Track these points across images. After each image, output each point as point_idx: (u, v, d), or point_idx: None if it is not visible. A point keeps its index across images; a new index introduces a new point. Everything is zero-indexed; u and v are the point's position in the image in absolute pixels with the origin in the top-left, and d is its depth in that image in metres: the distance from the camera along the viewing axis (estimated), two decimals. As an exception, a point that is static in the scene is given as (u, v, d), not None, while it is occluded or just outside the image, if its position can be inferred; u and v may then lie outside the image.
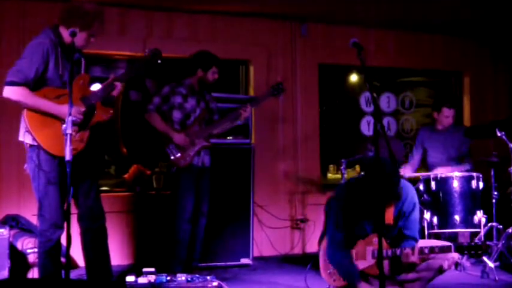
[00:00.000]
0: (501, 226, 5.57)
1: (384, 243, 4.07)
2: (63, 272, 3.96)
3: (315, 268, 4.51)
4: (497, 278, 5.07)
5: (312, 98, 7.12)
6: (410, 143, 7.58)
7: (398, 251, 4.01)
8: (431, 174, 5.71)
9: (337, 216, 4.17)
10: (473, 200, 5.58)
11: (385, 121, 7.60)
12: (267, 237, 6.63)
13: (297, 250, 6.84)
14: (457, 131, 6.15)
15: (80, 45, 4.02)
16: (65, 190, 3.61)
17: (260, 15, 6.76)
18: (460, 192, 5.57)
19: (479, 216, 5.55)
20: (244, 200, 6.01)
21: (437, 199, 5.62)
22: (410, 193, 4.19)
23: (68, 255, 3.38)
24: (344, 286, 4.17)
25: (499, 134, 5.47)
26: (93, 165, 4.18)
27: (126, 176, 6.85)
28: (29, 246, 4.95)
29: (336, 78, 7.97)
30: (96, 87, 4.12)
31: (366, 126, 7.58)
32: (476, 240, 5.56)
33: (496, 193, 5.59)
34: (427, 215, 5.66)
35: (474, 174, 5.64)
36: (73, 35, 3.72)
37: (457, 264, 5.39)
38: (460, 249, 3.95)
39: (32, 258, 4.87)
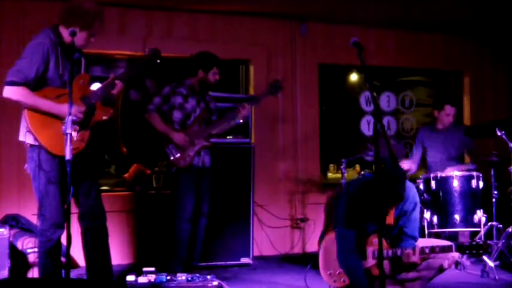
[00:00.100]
0: (501, 225, 5.57)
1: (385, 244, 4.07)
2: (63, 271, 3.96)
3: (315, 268, 4.50)
4: (497, 277, 5.07)
5: (312, 98, 7.12)
6: (411, 142, 7.59)
7: (399, 251, 4.01)
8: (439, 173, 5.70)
9: (348, 214, 4.13)
10: (473, 199, 5.59)
11: (385, 120, 7.60)
12: (267, 236, 6.64)
13: (297, 249, 6.84)
14: (458, 130, 6.15)
15: (80, 44, 4.01)
16: (66, 190, 3.60)
17: (260, 15, 6.76)
18: (460, 191, 5.57)
19: (479, 215, 5.55)
20: (244, 200, 6.01)
21: (438, 198, 5.62)
22: (412, 192, 4.18)
23: (68, 255, 3.39)
24: (344, 287, 4.16)
25: (499, 134, 5.47)
26: (93, 165, 4.18)
27: (126, 175, 6.85)
28: (29, 245, 4.95)
29: (336, 78, 7.97)
30: (96, 86, 4.12)
31: (366, 126, 7.59)
32: (477, 240, 5.57)
33: (496, 192, 5.59)
34: (427, 215, 5.67)
35: (474, 173, 5.64)
36: (73, 34, 3.72)
37: (457, 264, 5.40)
38: (461, 248, 3.96)
39: (32, 257, 4.87)
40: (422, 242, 4.25)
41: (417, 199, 4.22)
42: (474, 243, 3.94)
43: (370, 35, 7.25)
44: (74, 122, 3.75)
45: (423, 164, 6.35)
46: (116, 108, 6.63)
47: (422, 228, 5.49)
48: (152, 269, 4.18)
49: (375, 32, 7.30)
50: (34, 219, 4.90)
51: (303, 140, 7.01)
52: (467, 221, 5.54)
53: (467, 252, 3.95)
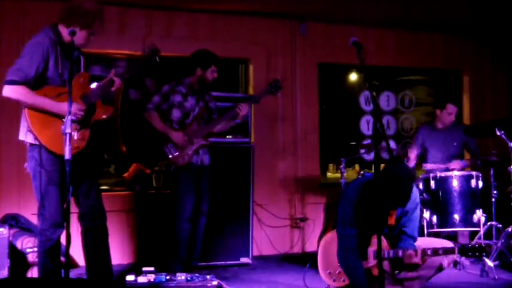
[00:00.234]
0: (500, 225, 5.57)
1: (386, 244, 4.07)
2: (62, 271, 3.97)
3: (314, 267, 4.50)
4: (496, 277, 5.07)
5: (312, 97, 7.12)
6: (410, 141, 7.58)
7: (400, 252, 3.99)
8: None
9: (350, 212, 4.12)
10: (472, 199, 5.59)
11: (384, 120, 7.60)
12: (267, 236, 6.64)
13: (297, 249, 6.85)
14: (458, 129, 6.15)
15: (80, 43, 4.02)
16: (66, 189, 3.60)
17: (259, 14, 6.76)
18: (460, 191, 5.58)
19: (479, 215, 5.56)
20: (244, 199, 6.01)
21: (437, 198, 5.63)
22: (414, 192, 4.17)
23: (67, 255, 3.39)
24: (344, 287, 4.16)
25: (498, 133, 5.47)
26: (93, 165, 4.19)
27: (125, 175, 6.85)
28: (28, 245, 4.94)
29: (335, 77, 7.97)
30: (95, 85, 4.12)
31: (366, 125, 7.59)
32: (477, 239, 5.58)
33: (495, 192, 5.59)
34: (426, 214, 5.67)
35: (473, 173, 5.65)
36: (72, 34, 3.73)
37: (456, 263, 5.40)
38: (463, 251, 3.95)
39: (31, 257, 4.86)
40: (422, 241, 4.25)
41: (418, 199, 4.22)
42: (477, 245, 3.93)
43: (369, 35, 7.25)
44: (74, 121, 3.77)
45: (423, 164, 6.35)
46: (116, 107, 6.63)
47: (421, 227, 5.49)
48: (152, 268, 4.18)
49: (374, 31, 7.30)
50: (34, 219, 4.92)
51: (302, 139, 7.01)
52: (467, 220, 5.55)
53: (470, 254, 3.94)
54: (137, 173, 6.74)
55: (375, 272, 3.99)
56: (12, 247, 4.85)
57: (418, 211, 4.21)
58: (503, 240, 5.43)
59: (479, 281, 5.09)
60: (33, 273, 4.84)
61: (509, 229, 5.43)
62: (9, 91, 3.79)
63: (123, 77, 4.11)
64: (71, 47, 3.95)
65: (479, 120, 7.35)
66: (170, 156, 5.14)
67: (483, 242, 5.48)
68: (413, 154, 6.12)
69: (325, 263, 4.26)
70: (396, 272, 4.15)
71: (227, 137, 5.96)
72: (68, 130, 3.41)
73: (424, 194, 5.69)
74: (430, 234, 5.61)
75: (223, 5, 6.43)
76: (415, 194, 4.15)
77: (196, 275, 4.24)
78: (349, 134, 7.71)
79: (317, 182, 7.12)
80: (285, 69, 6.95)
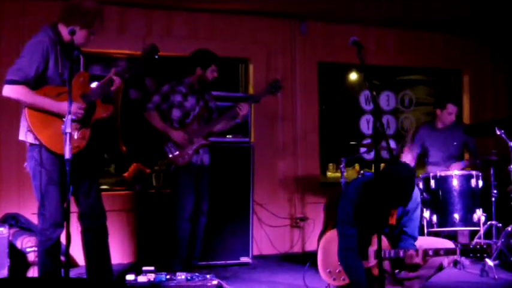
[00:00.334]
0: (500, 224, 5.57)
1: (387, 244, 4.06)
2: (62, 270, 3.97)
3: (314, 266, 4.50)
4: (496, 277, 5.07)
5: (312, 97, 7.12)
6: (405, 139, 7.58)
7: (401, 253, 3.99)
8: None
9: (350, 212, 4.12)
10: (472, 198, 5.59)
11: (384, 119, 7.60)
12: (267, 235, 6.64)
13: (297, 248, 6.85)
14: (458, 128, 6.15)
15: (80, 43, 4.02)
16: (66, 188, 3.60)
17: (259, 14, 6.75)
18: (460, 190, 5.57)
19: (479, 214, 5.56)
20: (244, 199, 6.01)
21: (437, 197, 5.63)
22: (415, 192, 4.16)
23: (67, 254, 3.39)
24: (344, 286, 4.16)
25: (498, 133, 5.47)
26: (93, 164, 4.19)
27: (125, 174, 6.85)
28: (28, 245, 4.94)
29: (335, 77, 7.97)
30: (95, 85, 4.12)
31: (366, 125, 7.59)
32: (477, 239, 5.57)
33: (495, 191, 5.59)
34: (426, 214, 5.67)
35: (473, 172, 5.65)
36: (72, 33, 3.72)
37: (456, 263, 5.40)
38: (464, 252, 3.95)
39: (31, 257, 4.87)
40: (422, 240, 4.25)
41: (419, 199, 4.21)
42: (478, 246, 3.93)
43: (370, 34, 7.25)
44: (74, 120, 3.76)
45: (423, 163, 6.35)
46: (116, 107, 6.63)
47: (421, 227, 5.49)
48: (152, 268, 4.18)
49: (374, 30, 7.30)
50: (34, 219, 4.92)
51: (302, 139, 7.01)
52: (467, 220, 5.55)
53: (471, 255, 3.94)
54: (137, 173, 6.74)
55: (375, 271, 3.99)
56: (12, 247, 4.85)
57: (419, 211, 4.21)
58: (503, 240, 5.43)
59: (479, 281, 5.09)
60: (33, 272, 4.84)
61: (509, 228, 5.43)
62: (9, 91, 3.79)
63: (123, 76, 4.11)
64: (71, 46, 3.94)
65: (479, 120, 7.34)
66: (170, 156, 5.15)
67: (483, 241, 5.49)
68: (410, 154, 6.11)
69: (325, 262, 4.26)
70: (396, 271, 4.15)
71: (227, 136, 5.96)
72: (68, 129, 3.41)
73: (424, 193, 5.69)
74: (430, 234, 5.61)
75: (223, 4, 6.43)
76: (416, 193, 4.15)
77: (196, 274, 4.24)
78: (349, 133, 7.71)
79: (317, 181, 7.12)
80: (285, 69, 6.95)
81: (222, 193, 5.84)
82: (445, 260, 4.05)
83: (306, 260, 5.25)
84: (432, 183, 5.65)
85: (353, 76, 8.31)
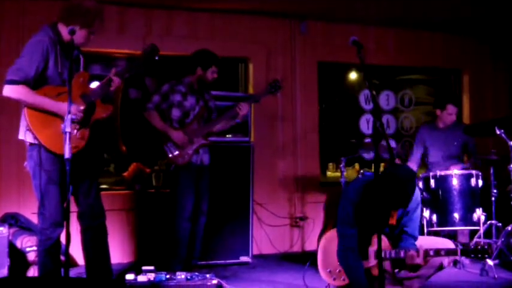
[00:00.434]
0: (500, 224, 5.57)
1: (388, 244, 4.06)
2: (62, 270, 3.97)
3: (314, 266, 4.50)
4: (496, 276, 5.07)
5: (312, 96, 7.12)
6: (410, 140, 7.58)
7: (402, 253, 3.98)
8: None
9: (350, 212, 4.12)
10: (472, 198, 5.59)
11: (384, 119, 7.60)
12: (266, 235, 6.64)
13: (296, 248, 6.85)
14: (458, 128, 6.15)
15: (80, 42, 4.02)
16: (65, 188, 3.61)
17: (259, 13, 6.75)
18: (460, 190, 5.58)
19: (479, 214, 5.56)
20: (244, 198, 6.01)
21: (437, 197, 5.63)
22: (415, 192, 4.16)
23: (67, 254, 3.39)
24: (344, 286, 4.15)
25: (498, 132, 5.47)
26: (93, 164, 4.18)
27: (125, 174, 6.85)
28: (28, 244, 4.94)
29: (335, 76, 7.98)
30: (95, 84, 4.12)
31: (365, 124, 7.59)
32: (476, 238, 5.57)
33: (495, 191, 5.59)
34: (426, 213, 5.67)
35: (473, 172, 5.65)
36: (72, 33, 3.72)
37: (456, 262, 5.40)
38: (465, 252, 3.95)
39: (31, 256, 4.87)
40: (422, 240, 4.24)
41: (420, 199, 4.21)
42: (479, 247, 3.93)
43: (369, 34, 7.24)
44: (74, 121, 3.76)
45: (423, 163, 6.35)
46: (116, 106, 6.63)
47: (421, 226, 5.49)
48: (151, 267, 4.18)
49: (374, 30, 7.29)
50: (33, 218, 4.92)
51: (302, 138, 7.01)
52: (467, 219, 5.55)
53: (472, 256, 3.94)
54: (137, 172, 6.74)
55: (375, 272, 3.98)
56: (12, 246, 4.85)
57: (419, 211, 4.21)
58: (503, 239, 5.43)
59: (479, 280, 5.09)
60: (33, 272, 4.84)
61: (509, 228, 5.43)
62: (9, 91, 3.79)
63: (122, 76, 4.11)
64: (71, 46, 3.94)
65: (479, 119, 7.34)
66: (170, 156, 5.14)
67: (483, 240, 5.49)
68: (413, 157, 6.11)
69: (325, 262, 4.26)
70: (396, 270, 4.15)
71: (227, 136, 5.96)
72: (68, 129, 3.41)
73: (424, 193, 5.69)
74: (430, 233, 5.62)
75: (223, 4, 6.43)
76: (416, 193, 4.14)
77: (196, 274, 4.24)
78: (349, 133, 7.71)
79: (317, 181, 7.12)
80: (284, 68, 6.95)
81: (222, 193, 5.84)
82: (445, 260, 4.05)
83: (305, 260, 5.25)
84: (432, 182, 5.65)
85: (353, 76, 8.32)
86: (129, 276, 4.04)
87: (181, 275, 4.13)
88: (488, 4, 6.43)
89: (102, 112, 4.08)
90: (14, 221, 5.39)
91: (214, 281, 4.11)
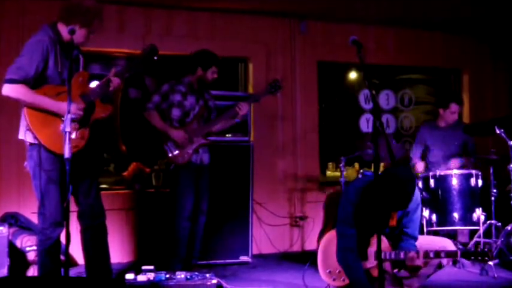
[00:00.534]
0: (500, 223, 5.57)
1: (388, 245, 4.06)
2: (62, 269, 3.97)
3: (314, 266, 4.50)
4: (496, 276, 5.08)
5: (311, 96, 7.12)
6: (410, 140, 7.59)
7: (402, 254, 3.98)
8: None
9: (350, 212, 4.12)
10: (472, 197, 5.59)
11: (384, 118, 7.60)
12: (266, 234, 6.64)
13: (296, 247, 6.85)
14: (458, 127, 6.15)
15: (80, 42, 4.02)
16: (65, 188, 3.60)
17: (259, 13, 6.75)
18: (459, 189, 5.58)
19: (478, 213, 5.56)
20: (243, 198, 6.01)
21: (436, 197, 5.63)
22: (415, 192, 4.16)
23: (67, 253, 3.39)
24: (344, 286, 4.15)
25: (498, 132, 5.47)
26: (93, 163, 4.18)
27: (125, 173, 6.85)
28: (28, 244, 4.94)
29: (335, 76, 7.98)
30: (94, 84, 4.12)
31: (365, 124, 7.58)
32: (476, 238, 5.57)
33: (495, 191, 5.59)
34: (426, 213, 5.67)
35: (473, 171, 5.64)
36: (72, 32, 3.73)
37: (455, 261, 5.40)
38: (466, 255, 3.94)
39: (31, 256, 4.87)
40: (421, 239, 4.24)
41: (419, 199, 4.21)
42: (479, 249, 3.92)
43: (369, 33, 7.25)
44: (74, 120, 3.76)
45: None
46: (115, 106, 6.63)
47: (421, 226, 5.48)
48: (151, 267, 4.18)
49: (374, 30, 7.30)
50: (33, 218, 4.92)
51: (302, 138, 7.01)
52: (466, 219, 5.55)
53: (473, 258, 3.93)
54: (137, 172, 6.74)
55: (375, 273, 3.98)
56: (11, 246, 4.85)
57: (419, 211, 4.21)
58: (502, 239, 5.43)
59: (479, 280, 5.10)
60: (33, 272, 4.84)
61: (509, 227, 5.44)
62: (9, 90, 3.79)
63: (122, 76, 4.11)
64: (70, 45, 3.95)
65: (479, 119, 7.34)
66: (170, 155, 5.15)
67: (482, 240, 5.49)
68: (419, 169, 6.11)
69: (325, 262, 4.26)
70: (396, 270, 4.15)
71: (227, 135, 5.96)
72: (68, 129, 3.41)
73: (424, 193, 5.69)
74: (429, 233, 5.62)
75: (223, 4, 6.43)
76: (416, 194, 4.14)
77: (196, 273, 4.25)
78: (349, 132, 7.71)
79: (317, 180, 7.13)
80: (284, 68, 6.95)
81: (222, 192, 5.84)
82: (445, 259, 4.05)
83: (305, 259, 5.25)
84: (431, 182, 5.65)
85: (353, 75, 8.32)
86: (129, 276, 4.04)
87: (181, 275, 4.13)
88: (488, 4, 6.43)
89: (101, 112, 4.08)
90: (13, 220, 5.39)
91: (214, 281, 4.11)
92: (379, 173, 3.74)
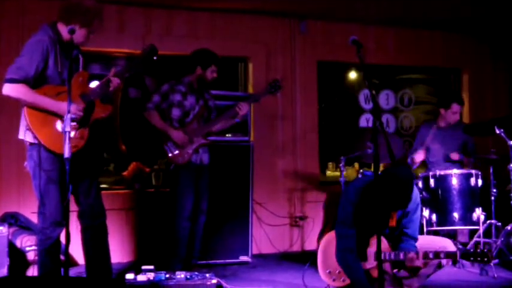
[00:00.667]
0: (500, 223, 5.57)
1: (387, 246, 4.06)
2: (62, 269, 3.97)
3: (314, 266, 4.50)
4: (496, 275, 5.07)
5: (311, 96, 7.12)
6: (410, 140, 7.59)
7: (401, 255, 3.98)
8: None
9: (350, 212, 4.12)
10: (472, 197, 5.59)
11: (384, 118, 7.60)
12: (266, 234, 6.64)
13: (296, 247, 6.85)
14: (458, 127, 6.14)
15: (79, 41, 4.02)
16: (65, 188, 3.61)
17: (259, 13, 6.75)
18: (459, 189, 5.58)
19: (478, 213, 5.56)
20: (243, 198, 6.01)
21: (436, 196, 5.63)
22: (415, 193, 4.15)
23: (67, 253, 3.39)
24: (344, 287, 4.15)
25: (498, 132, 5.46)
26: (93, 163, 4.18)
27: (125, 173, 6.85)
28: (28, 243, 4.94)
29: (335, 76, 7.97)
30: (94, 84, 4.12)
31: (365, 124, 7.59)
32: (476, 238, 5.57)
33: (494, 190, 5.59)
34: (426, 213, 5.67)
35: (473, 171, 5.65)
36: (72, 32, 3.73)
37: (455, 261, 5.40)
38: (465, 255, 3.94)
39: (31, 255, 4.87)
40: (421, 239, 4.24)
41: (419, 200, 4.21)
42: (479, 250, 3.92)
43: (369, 33, 7.24)
44: (73, 120, 3.76)
45: (423, 162, 6.34)
46: (115, 106, 6.63)
47: (421, 226, 5.48)
48: (151, 267, 4.18)
49: (374, 29, 7.29)
50: (33, 218, 4.92)
51: (302, 138, 7.01)
52: (466, 219, 5.55)
53: (472, 259, 3.93)
54: (137, 172, 6.74)
55: (374, 273, 3.98)
56: (11, 245, 4.85)
57: (419, 212, 4.21)
58: (502, 239, 5.43)
59: (479, 280, 5.10)
60: (33, 271, 4.84)
61: (509, 227, 5.44)
62: (9, 89, 3.79)
63: (122, 76, 4.11)
64: (70, 45, 3.95)
65: (479, 119, 7.34)
66: (170, 155, 5.15)
67: (482, 240, 5.49)
68: (419, 158, 6.11)
69: (325, 263, 4.26)
70: (395, 270, 4.15)
71: (226, 135, 5.96)
72: (68, 129, 3.42)
73: (424, 192, 5.69)
74: (429, 233, 5.62)
75: (223, 3, 6.43)
76: (416, 194, 4.14)
77: (196, 273, 4.25)
78: (349, 132, 7.70)
79: (316, 180, 7.13)
80: (284, 68, 6.95)
81: (222, 192, 5.84)
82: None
83: (305, 259, 5.25)
84: (431, 182, 5.65)
85: (352, 75, 8.31)
86: (129, 276, 4.04)
87: (180, 275, 4.13)
88: (488, 4, 6.44)
89: (101, 112, 4.08)
90: (13, 220, 5.39)
91: (214, 281, 4.12)
92: (379, 172, 3.74)
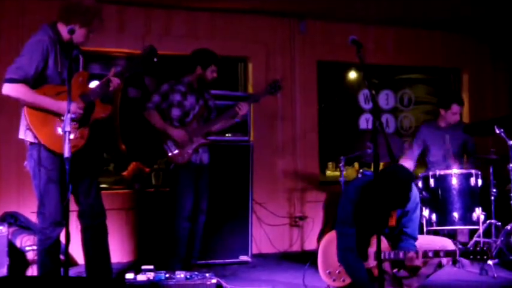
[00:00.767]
0: (500, 223, 5.57)
1: (387, 245, 4.06)
2: (62, 269, 3.97)
3: (314, 265, 4.50)
4: (495, 275, 5.07)
5: (311, 95, 7.12)
6: (410, 140, 7.58)
7: (401, 254, 3.98)
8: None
9: (350, 212, 4.12)
10: (472, 197, 5.59)
11: (383, 118, 7.61)
12: (266, 234, 6.64)
13: (296, 247, 6.85)
14: (458, 127, 6.14)
15: (79, 41, 4.03)
16: (65, 187, 3.61)
17: (259, 13, 6.75)
18: (459, 189, 5.57)
19: (478, 213, 5.56)
20: (243, 198, 6.01)
21: (436, 196, 5.63)
22: (414, 192, 4.15)
23: (67, 253, 3.39)
24: (344, 287, 4.15)
25: (497, 131, 5.46)
26: (93, 163, 4.19)
27: (125, 173, 6.86)
28: (27, 243, 4.94)
29: (334, 76, 7.97)
30: (94, 84, 4.12)
31: (365, 124, 7.59)
32: (476, 238, 5.57)
33: (494, 190, 5.59)
34: (425, 212, 5.67)
35: (473, 171, 5.64)
36: (71, 32, 3.74)
37: (455, 261, 5.40)
38: (465, 254, 3.95)
39: (30, 255, 4.86)
40: (421, 239, 4.25)
41: (418, 199, 4.21)
42: (478, 248, 3.92)
43: (369, 33, 7.24)
44: (73, 120, 3.77)
45: (423, 162, 6.35)
46: (115, 106, 6.63)
47: (421, 226, 5.49)
48: (151, 267, 4.18)
49: (374, 29, 7.30)
50: (33, 217, 4.91)
51: (301, 138, 7.01)
52: (466, 218, 5.54)
53: (471, 257, 3.93)
54: (136, 171, 6.74)
55: (375, 272, 3.98)
56: (11, 245, 4.85)
57: (418, 211, 4.21)
58: (502, 238, 5.43)
59: (479, 279, 5.09)
60: (33, 271, 4.84)
61: (509, 227, 5.43)
62: (9, 89, 3.79)
63: (122, 76, 4.11)
64: (70, 45, 3.95)
65: (478, 119, 7.34)
66: (170, 155, 5.14)
67: (482, 240, 5.49)
68: (412, 155, 6.10)
69: (325, 263, 4.26)
70: (395, 270, 4.15)
71: (226, 135, 5.96)
72: (68, 128, 3.42)
73: (424, 192, 5.69)
74: (429, 232, 5.62)
75: (222, 3, 6.43)
76: (415, 193, 4.14)
77: (196, 273, 4.24)
78: (349, 132, 7.71)
79: (316, 180, 7.13)
80: (284, 68, 6.95)
81: (222, 192, 5.84)
82: (444, 258, 4.05)
83: (305, 259, 5.25)
84: (431, 182, 5.65)
85: (352, 75, 8.31)
86: (129, 276, 4.04)
87: (180, 274, 4.13)
88: (488, 4, 6.44)
89: (101, 112, 4.09)
90: (13, 220, 5.39)
91: (214, 280, 4.11)
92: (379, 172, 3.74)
